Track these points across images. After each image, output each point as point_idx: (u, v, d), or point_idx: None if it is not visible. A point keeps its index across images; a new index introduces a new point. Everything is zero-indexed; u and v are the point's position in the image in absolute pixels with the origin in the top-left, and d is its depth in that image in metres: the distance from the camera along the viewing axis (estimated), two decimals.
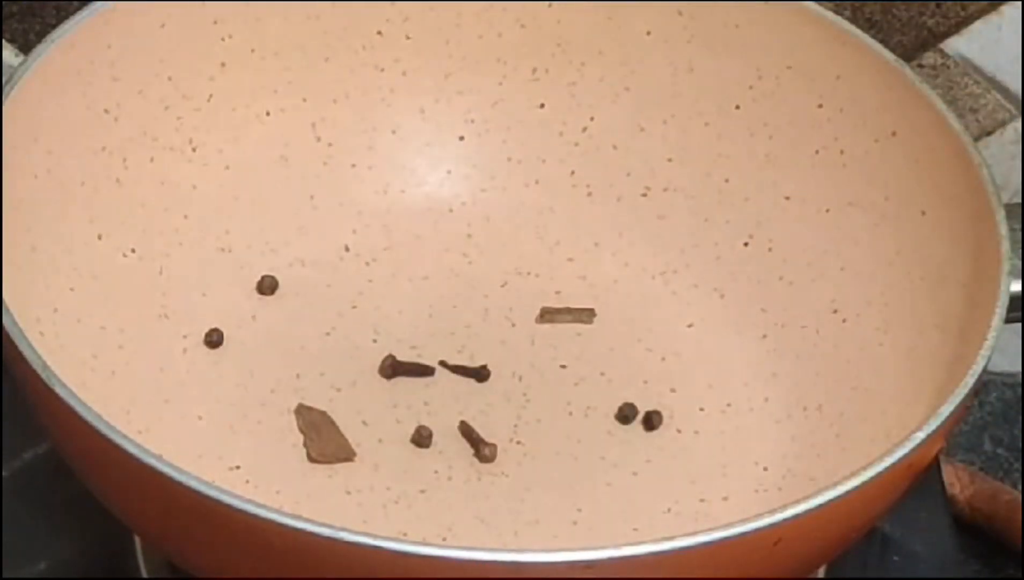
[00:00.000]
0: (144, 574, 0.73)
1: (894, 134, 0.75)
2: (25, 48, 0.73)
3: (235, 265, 0.78)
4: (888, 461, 0.58)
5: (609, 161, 0.82)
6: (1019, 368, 0.84)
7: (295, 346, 0.76)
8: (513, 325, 0.78)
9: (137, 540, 0.73)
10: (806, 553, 0.60)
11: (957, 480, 0.79)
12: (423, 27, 0.82)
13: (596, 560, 0.54)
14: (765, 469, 0.72)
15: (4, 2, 0.89)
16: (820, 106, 0.76)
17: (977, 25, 0.86)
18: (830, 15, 0.77)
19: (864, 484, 0.58)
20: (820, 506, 0.57)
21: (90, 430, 0.58)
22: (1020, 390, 0.84)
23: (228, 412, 0.72)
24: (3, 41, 0.79)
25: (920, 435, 0.60)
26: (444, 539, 0.68)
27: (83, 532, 0.73)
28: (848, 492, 0.57)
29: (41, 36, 0.72)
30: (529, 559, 0.55)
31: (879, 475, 0.58)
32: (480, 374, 0.75)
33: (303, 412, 0.73)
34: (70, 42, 0.71)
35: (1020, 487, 0.79)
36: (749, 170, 0.80)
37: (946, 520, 0.76)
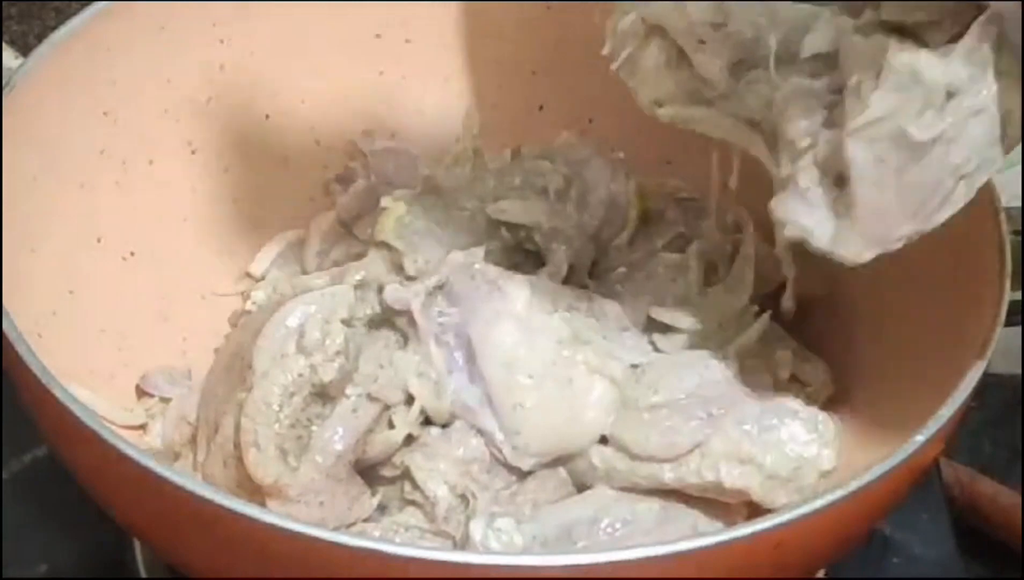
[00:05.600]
0: (143, 575, 0.73)
1: None
2: (24, 50, 0.73)
3: (235, 268, 0.78)
4: (888, 463, 0.58)
5: None
6: (1019, 370, 0.84)
7: None
8: None
9: (136, 543, 0.73)
10: (807, 556, 0.60)
11: (957, 481, 0.79)
12: (422, 30, 0.82)
13: (595, 563, 0.54)
14: None
15: (4, 4, 0.90)
16: None
17: None
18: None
19: (864, 486, 0.57)
20: (820, 509, 0.57)
21: (89, 434, 0.58)
22: (1020, 391, 0.83)
23: None
24: (3, 43, 0.79)
25: (920, 438, 0.59)
26: None
27: (82, 534, 0.73)
28: (848, 495, 0.57)
29: (40, 38, 0.72)
30: (528, 562, 0.55)
31: (879, 477, 0.58)
32: None
33: None
34: (69, 44, 0.71)
35: (1020, 488, 0.79)
36: (747, 172, 0.80)
37: (946, 522, 0.76)
